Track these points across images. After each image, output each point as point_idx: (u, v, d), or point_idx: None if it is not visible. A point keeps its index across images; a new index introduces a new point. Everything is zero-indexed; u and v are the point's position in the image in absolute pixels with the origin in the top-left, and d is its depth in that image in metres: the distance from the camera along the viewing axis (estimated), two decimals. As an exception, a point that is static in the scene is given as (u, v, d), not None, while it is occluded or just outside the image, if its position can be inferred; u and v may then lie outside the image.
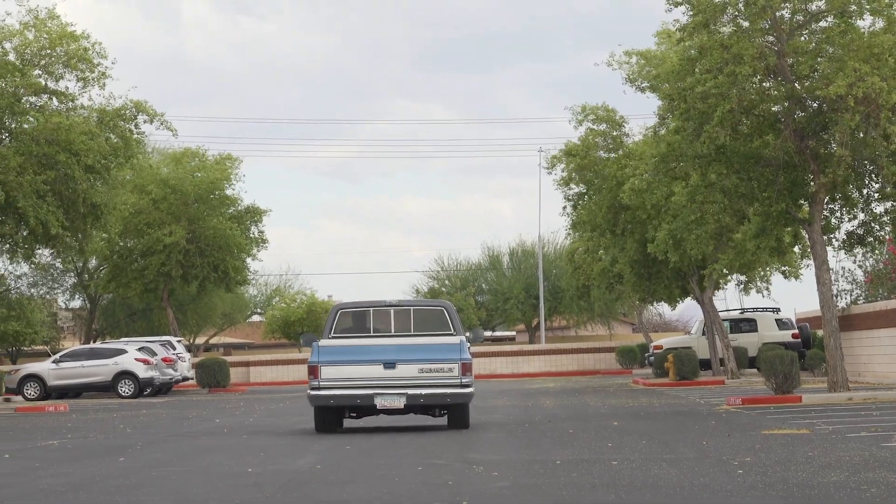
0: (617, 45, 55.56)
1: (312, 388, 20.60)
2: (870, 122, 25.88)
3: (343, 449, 17.52)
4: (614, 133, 41.64)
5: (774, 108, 27.45)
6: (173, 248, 49.87)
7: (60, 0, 50.59)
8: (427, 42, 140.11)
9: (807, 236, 28.71)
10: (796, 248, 35.63)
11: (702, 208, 29.48)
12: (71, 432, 23.58)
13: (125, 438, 21.45)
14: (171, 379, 44.57)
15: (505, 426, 21.74)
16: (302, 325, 61.45)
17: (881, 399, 26.26)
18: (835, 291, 32.76)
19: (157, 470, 15.19)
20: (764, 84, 27.39)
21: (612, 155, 41.19)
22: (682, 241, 33.79)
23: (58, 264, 60.10)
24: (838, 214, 28.94)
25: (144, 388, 42.49)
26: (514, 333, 79.89)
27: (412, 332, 21.42)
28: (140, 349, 43.38)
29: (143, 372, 42.38)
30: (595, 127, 41.45)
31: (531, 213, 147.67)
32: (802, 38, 26.90)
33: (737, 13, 26.77)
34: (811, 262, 28.64)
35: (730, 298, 71.15)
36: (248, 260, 52.54)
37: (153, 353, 43.43)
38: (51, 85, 36.09)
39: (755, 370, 40.40)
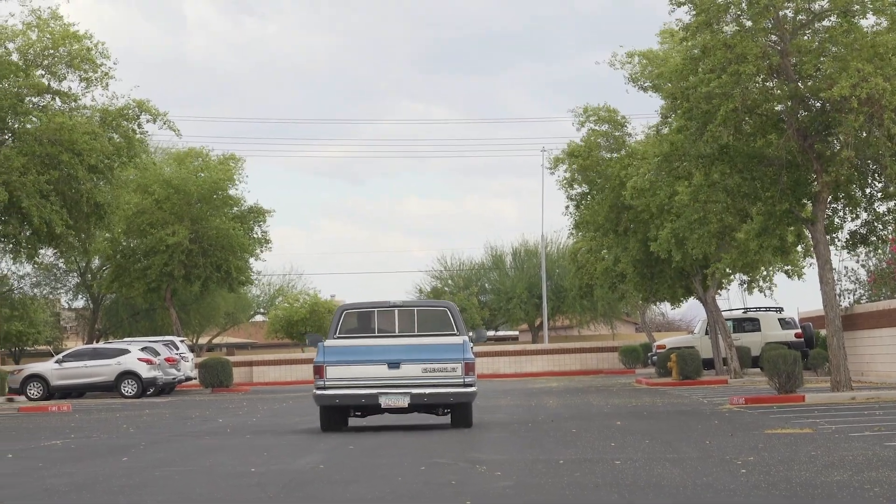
0: (619, 45, 55.37)
1: (318, 388, 20.68)
2: (873, 123, 25.86)
3: (346, 448, 17.53)
4: (616, 133, 41.63)
5: (778, 108, 27.45)
6: (176, 248, 49.87)
7: (65, 1, 50.63)
8: (429, 42, 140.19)
9: (810, 236, 28.69)
10: (799, 248, 35.59)
11: (705, 208, 29.49)
12: (74, 432, 23.59)
13: (128, 438, 21.47)
14: (174, 379, 44.56)
15: (508, 425, 21.75)
16: (305, 324, 61.42)
17: (884, 398, 26.25)
18: (838, 291, 32.71)
19: (160, 470, 15.20)
20: (767, 83, 27.38)
21: (615, 155, 41.19)
22: (684, 240, 33.77)
23: (61, 264, 60.09)
24: (841, 214, 28.92)
25: (147, 388, 42.51)
26: (517, 333, 79.89)
27: (416, 333, 21.53)
28: (143, 349, 43.39)
29: (146, 372, 42.41)
30: (597, 128, 41.44)
31: (534, 213, 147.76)
32: (805, 38, 26.89)
33: (739, 12, 26.76)
34: (814, 261, 28.62)
35: (733, 298, 71.12)
36: (252, 260, 52.55)
37: (156, 353, 43.44)
38: (54, 85, 36.10)
39: (758, 370, 40.35)
